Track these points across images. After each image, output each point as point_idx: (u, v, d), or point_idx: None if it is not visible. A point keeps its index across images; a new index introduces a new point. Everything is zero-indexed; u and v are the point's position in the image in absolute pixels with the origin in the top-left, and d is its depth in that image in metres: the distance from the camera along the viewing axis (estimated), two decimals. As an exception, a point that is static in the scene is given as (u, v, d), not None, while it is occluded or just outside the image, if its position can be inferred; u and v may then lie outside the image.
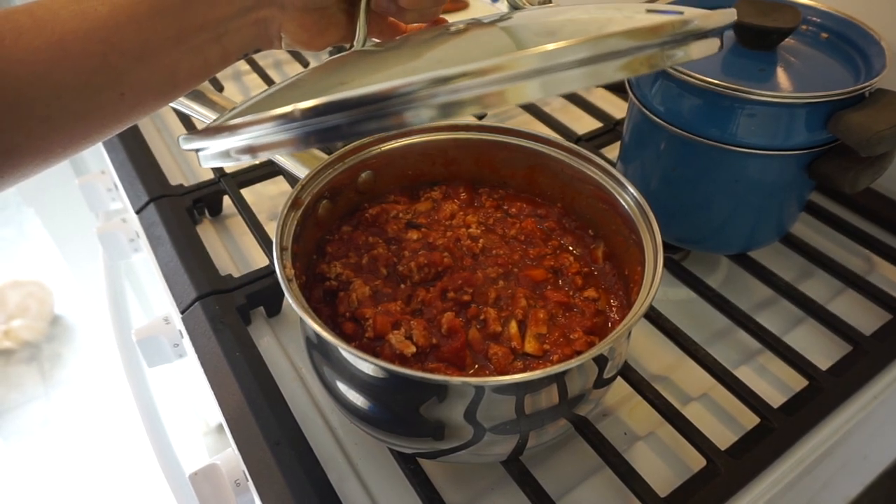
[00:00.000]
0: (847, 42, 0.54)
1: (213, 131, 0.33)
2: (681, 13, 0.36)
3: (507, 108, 0.29)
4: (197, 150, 0.34)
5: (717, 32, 0.32)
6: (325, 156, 0.50)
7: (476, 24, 0.39)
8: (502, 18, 0.40)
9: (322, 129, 0.29)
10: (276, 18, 0.40)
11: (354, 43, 0.44)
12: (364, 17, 0.43)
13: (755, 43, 0.53)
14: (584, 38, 0.28)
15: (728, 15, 0.33)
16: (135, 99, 0.36)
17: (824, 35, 0.56)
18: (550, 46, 0.27)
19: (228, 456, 0.48)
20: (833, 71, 0.53)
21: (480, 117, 0.77)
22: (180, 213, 0.64)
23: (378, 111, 0.28)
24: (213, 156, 0.33)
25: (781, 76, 0.51)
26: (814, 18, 0.57)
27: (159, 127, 0.81)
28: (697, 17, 0.31)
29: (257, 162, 0.32)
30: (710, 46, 0.32)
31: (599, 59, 0.28)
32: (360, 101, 0.28)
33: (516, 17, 0.40)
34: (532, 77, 0.28)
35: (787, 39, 0.55)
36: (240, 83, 0.89)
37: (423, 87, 0.28)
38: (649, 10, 0.39)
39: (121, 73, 0.35)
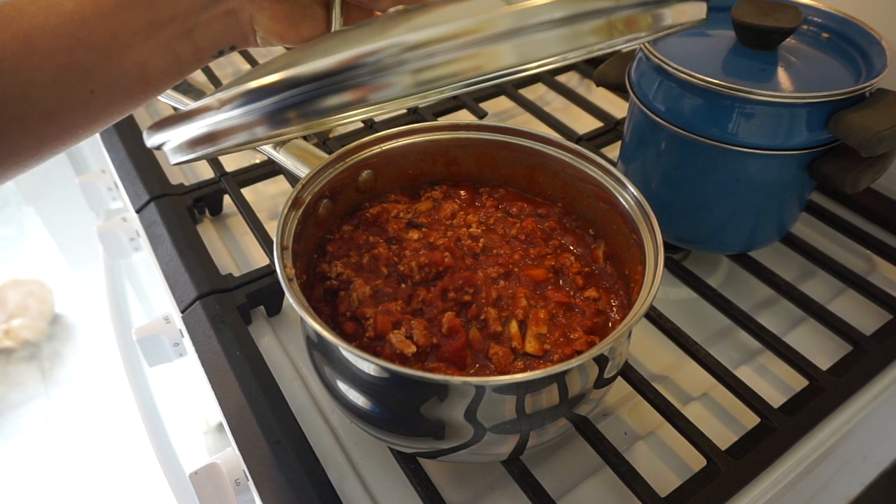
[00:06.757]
0: (848, 42, 0.54)
1: (168, 121, 0.31)
2: None
3: (485, 85, 0.27)
4: (160, 146, 0.33)
5: None
6: (325, 155, 0.50)
7: None
8: None
9: (281, 108, 0.27)
10: (245, 9, 0.39)
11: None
12: (339, 6, 0.42)
13: (756, 43, 0.53)
14: None
15: None
16: (106, 97, 0.35)
17: (825, 35, 0.56)
18: (525, 5, 0.25)
19: (229, 455, 0.48)
20: (834, 71, 0.52)
21: (481, 116, 0.77)
22: (181, 212, 0.64)
23: (339, 84, 0.26)
24: (176, 149, 0.32)
25: (782, 76, 0.51)
26: (815, 18, 0.57)
27: (160, 126, 0.81)
28: None
29: (226, 153, 0.30)
30: (697, 11, 0.30)
31: (577, 20, 0.26)
32: (318, 75, 0.26)
33: None
34: (506, 39, 0.26)
35: (788, 39, 0.55)
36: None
37: (387, 54, 0.25)
38: None
39: (90, 70, 0.34)
